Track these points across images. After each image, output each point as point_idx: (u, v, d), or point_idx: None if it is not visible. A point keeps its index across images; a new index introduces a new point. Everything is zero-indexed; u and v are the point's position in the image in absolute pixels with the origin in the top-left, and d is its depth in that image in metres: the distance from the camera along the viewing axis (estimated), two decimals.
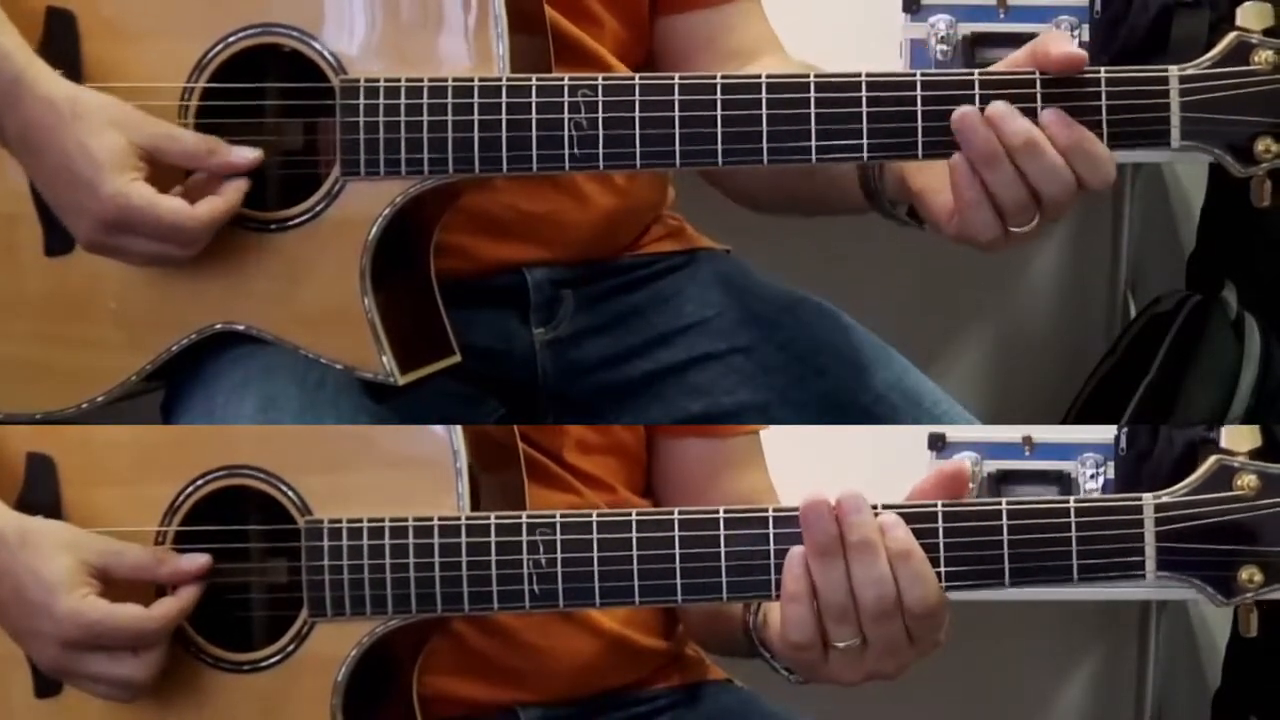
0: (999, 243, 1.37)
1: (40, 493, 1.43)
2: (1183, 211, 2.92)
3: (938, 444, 2.51)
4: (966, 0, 2.57)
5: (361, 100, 1.41)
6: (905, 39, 2.56)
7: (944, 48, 2.53)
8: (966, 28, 2.56)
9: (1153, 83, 1.35)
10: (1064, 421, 2.72)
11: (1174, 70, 1.35)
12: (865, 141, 1.38)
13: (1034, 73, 1.36)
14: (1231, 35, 1.35)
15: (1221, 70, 1.35)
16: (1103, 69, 1.36)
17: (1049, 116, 1.34)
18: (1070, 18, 2.56)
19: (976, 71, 1.37)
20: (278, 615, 1.41)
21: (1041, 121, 1.35)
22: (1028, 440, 2.52)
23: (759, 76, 1.38)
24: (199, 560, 1.39)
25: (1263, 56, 1.34)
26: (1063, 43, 1.35)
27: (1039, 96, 1.36)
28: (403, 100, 1.40)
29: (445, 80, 1.40)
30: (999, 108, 1.34)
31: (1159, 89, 1.35)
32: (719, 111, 1.38)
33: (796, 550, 1.31)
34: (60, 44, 1.45)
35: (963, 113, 1.35)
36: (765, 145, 1.38)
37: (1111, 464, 2.50)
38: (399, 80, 1.41)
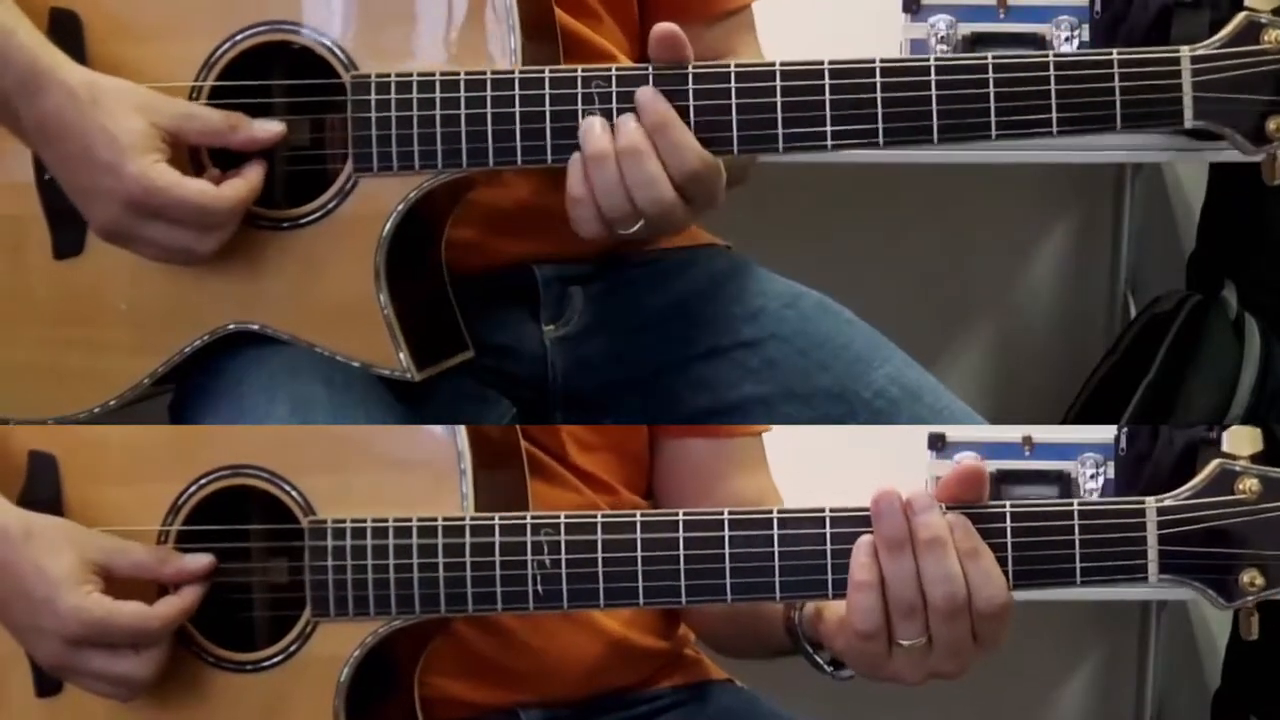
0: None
1: (42, 490, 1.43)
2: (1183, 211, 2.92)
3: (938, 444, 2.52)
4: (966, 0, 2.57)
5: (373, 96, 1.41)
6: (905, 39, 2.57)
7: (944, 48, 2.54)
8: (966, 28, 2.57)
9: (1165, 63, 1.36)
10: (1064, 421, 2.72)
11: (1185, 51, 1.35)
12: (880, 127, 1.38)
13: (1047, 55, 1.36)
14: (1241, 15, 1.35)
15: (1232, 50, 1.35)
16: (1115, 51, 1.36)
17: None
18: (1070, 18, 2.57)
19: (990, 55, 1.37)
20: (280, 615, 1.41)
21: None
22: (1028, 440, 2.52)
23: (773, 64, 1.39)
24: (202, 560, 1.39)
25: (1272, 36, 1.35)
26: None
27: (1052, 78, 1.36)
28: (415, 95, 1.40)
29: (457, 74, 1.40)
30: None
31: (1171, 69, 1.35)
32: (733, 100, 1.38)
33: (865, 540, 1.31)
34: (65, 44, 1.44)
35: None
36: (780, 132, 1.38)
37: (1111, 464, 2.51)
38: (411, 75, 1.41)
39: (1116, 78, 1.36)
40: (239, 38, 1.45)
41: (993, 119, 1.37)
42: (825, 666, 1.41)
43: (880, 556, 1.31)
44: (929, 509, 1.30)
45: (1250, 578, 1.30)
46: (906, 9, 2.59)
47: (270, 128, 1.42)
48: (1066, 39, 2.55)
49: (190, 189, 1.39)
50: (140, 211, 1.39)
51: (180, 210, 1.39)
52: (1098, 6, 2.58)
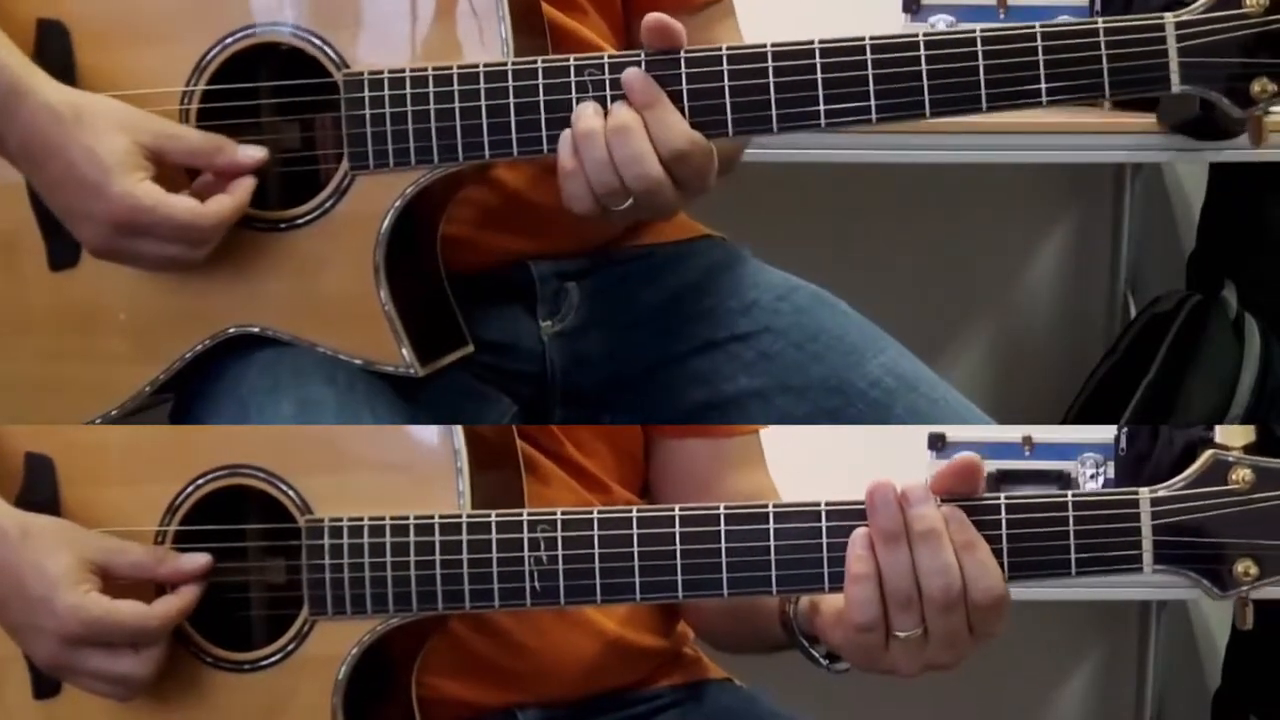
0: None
1: (39, 492, 1.43)
2: (1183, 211, 2.92)
3: (938, 444, 2.52)
4: (966, 0, 2.57)
5: (367, 93, 1.41)
6: None
7: None
8: (966, 28, 2.56)
9: (1150, 30, 1.36)
10: (1064, 421, 2.73)
11: (1170, 17, 1.36)
12: (873, 103, 1.38)
13: (1034, 27, 1.36)
14: None
15: (1215, 14, 1.35)
16: (1100, 20, 1.37)
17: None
18: (1070, 18, 2.56)
19: (979, 28, 1.37)
20: (278, 614, 1.41)
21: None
22: (1028, 440, 2.52)
23: (765, 45, 1.39)
24: (199, 560, 1.39)
25: None
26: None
27: (1040, 49, 1.36)
28: (408, 90, 1.40)
29: (450, 68, 1.40)
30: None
31: (1156, 36, 1.36)
32: (726, 82, 1.39)
33: (861, 532, 1.32)
34: (53, 54, 1.44)
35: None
36: (774, 113, 1.39)
37: (1111, 464, 2.51)
38: (403, 71, 1.41)
39: (1103, 46, 1.36)
40: (228, 41, 1.45)
41: (983, 91, 1.37)
42: (821, 660, 1.41)
43: (876, 548, 1.31)
44: (924, 501, 1.31)
45: (1244, 567, 1.30)
46: (906, 9, 2.59)
47: (253, 154, 1.42)
48: None
49: (176, 207, 1.39)
50: (128, 230, 1.39)
51: (167, 228, 1.39)
52: (1098, 6, 2.58)
